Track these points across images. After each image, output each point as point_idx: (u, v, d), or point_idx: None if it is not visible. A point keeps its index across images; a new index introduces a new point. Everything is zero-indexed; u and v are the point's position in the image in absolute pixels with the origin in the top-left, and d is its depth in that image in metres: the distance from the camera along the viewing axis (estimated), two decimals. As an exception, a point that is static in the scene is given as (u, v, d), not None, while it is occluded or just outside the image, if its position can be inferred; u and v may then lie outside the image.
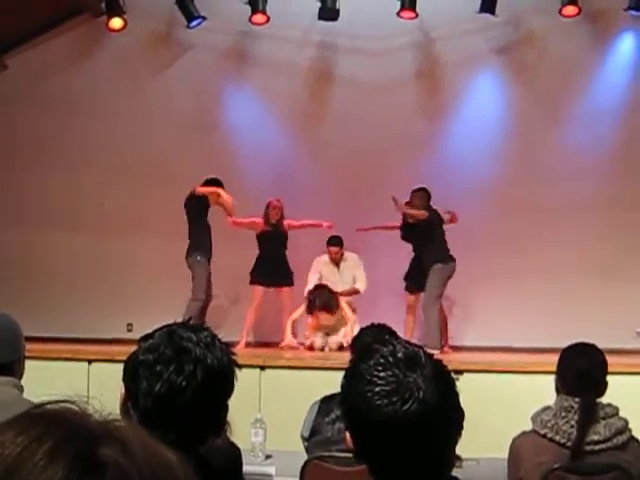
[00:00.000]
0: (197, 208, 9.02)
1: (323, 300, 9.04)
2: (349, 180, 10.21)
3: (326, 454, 3.99)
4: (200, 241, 8.97)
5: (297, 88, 10.49)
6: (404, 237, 9.36)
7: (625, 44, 10.51)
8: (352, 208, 9.92)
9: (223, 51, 10.66)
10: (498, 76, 10.66)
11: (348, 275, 9.48)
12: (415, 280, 9.13)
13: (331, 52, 10.69)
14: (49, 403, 0.74)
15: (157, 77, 10.61)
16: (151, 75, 10.61)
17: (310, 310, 9.10)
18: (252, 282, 9.40)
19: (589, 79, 10.45)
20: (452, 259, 8.88)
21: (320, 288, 9.15)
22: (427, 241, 8.96)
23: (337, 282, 9.45)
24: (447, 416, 1.67)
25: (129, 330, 9.64)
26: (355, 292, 9.47)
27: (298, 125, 10.56)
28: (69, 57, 10.60)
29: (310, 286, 9.38)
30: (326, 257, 9.53)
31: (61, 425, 0.70)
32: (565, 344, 3.85)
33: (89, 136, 10.36)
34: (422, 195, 9.09)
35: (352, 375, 1.73)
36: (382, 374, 1.66)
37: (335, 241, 9.45)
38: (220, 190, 9.03)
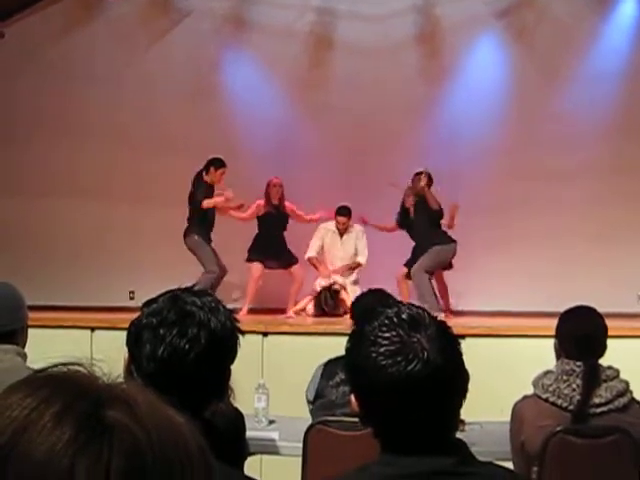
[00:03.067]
0: (198, 206, 9.07)
1: (331, 305, 9.06)
2: (350, 145, 10.18)
3: (330, 419, 4.02)
4: (197, 225, 9.05)
5: (297, 53, 10.42)
6: (399, 222, 9.33)
7: (626, 6, 10.44)
8: (353, 173, 9.90)
9: (222, 17, 10.58)
10: (498, 39, 10.59)
11: (350, 246, 9.48)
12: (414, 261, 9.11)
13: (331, 16, 10.61)
14: (56, 366, 0.74)
15: (155, 44, 10.54)
16: (149, 42, 10.53)
17: (315, 307, 9.14)
18: (250, 260, 9.41)
19: (590, 42, 10.38)
20: (452, 240, 8.88)
21: (329, 289, 9.13)
22: (423, 227, 8.96)
23: (338, 253, 9.47)
24: (451, 377, 1.68)
25: (131, 298, 9.65)
26: (357, 266, 9.46)
27: (298, 90, 10.51)
28: (67, 25, 10.51)
29: (311, 253, 9.41)
30: (332, 224, 9.53)
31: (68, 387, 0.70)
32: (564, 308, 3.86)
33: (88, 104, 10.31)
34: (423, 178, 9.07)
35: (356, 336, 1.73)
36: (386, 334, 1.66)
37: (344, 211, 9.43)
38: (223, 199, 9.01)
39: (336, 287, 9.17)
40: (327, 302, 9.08)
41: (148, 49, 10.48)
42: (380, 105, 10.08)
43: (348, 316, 8.61)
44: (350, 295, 9.10)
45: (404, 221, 9.31)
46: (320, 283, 9.24)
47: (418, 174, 9.09)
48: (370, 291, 4.45)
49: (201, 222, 9.07)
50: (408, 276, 9.18)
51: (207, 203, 9.01)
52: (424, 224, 8.96)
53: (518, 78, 10.37)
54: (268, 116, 10.36)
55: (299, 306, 9.26)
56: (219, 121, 10.19)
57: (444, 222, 9.13)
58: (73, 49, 10.34)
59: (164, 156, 10.04)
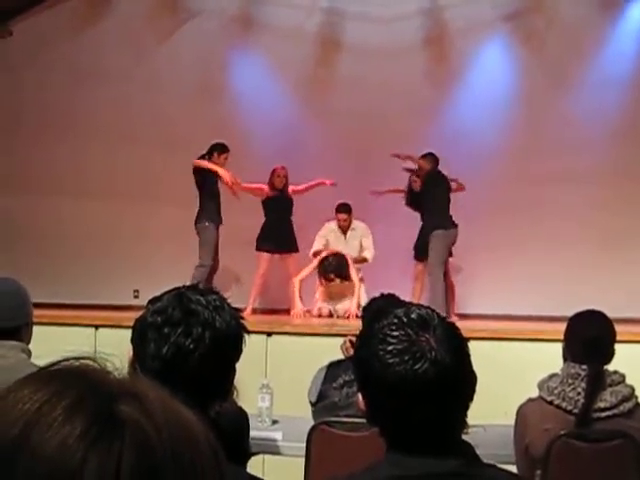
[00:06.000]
0: (202, 176, 9.03)
1: (335, 266, 9.03)
2: (356, 147, 10.18)
3: (333, 419, 4.02)
4: (208, 207, 9.02)
5: (304, 54, 10.43)
6: (408, 203, 9.34)
7: (635, 12, 10.43)
8: (359, 175, 9.90)
9: (230, 17, 10.59)
10: (506, 43, 10.59)
11: (355, 244, 9.47)
12: (422, 249, 9.12)
13: (339, 18, 10.61)
14: (67, 360, 0.74)
15: (163, 43, 10.55)
16: (157, 41, 10.55)
17: (321, 274, 9.10)
18: (258, 249, 9.41)
19: (598, 47, 10.38)
20: (454, 225, 8.87)
21: (334, 255, 9.13)
22: (429, 205, 8.94)
23: (343, 251, 9.45)
24: (459, 378, 1.68)
25: (136, 296, 9.67)
26: (363, 261, 9.45)
27: (305, 92, 10.52)
28: (75, 23, 10.52)
29: (315, 247, 9.40)
30: (334, 224, 9.52)
31: (80, 381, 0.70)
32: (569, 313, 3.85)
33: (95, 103, 10.32)
34: (430, 159, 9.07)
35: (366, 335, 1.74)
36: (395, 333, 1.67)
37: (343, 208, 9.43)
38: (218, 169, 9.01)
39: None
40: (331, 264, 9.04)
41: (156, 48, 10.49)
42: (386, 107, 10.08)
43: (353, 317, 8.71)
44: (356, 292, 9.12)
45: (413, 201, 9.28)
46: (315, 249, 9.26)
47: (423, 156, 9.08)
48: (382, 295, 4.45)
49: (211, 205, 9.02)
50: (417, 256, 9.22)
51: (197, 162, 9.02)
52: (432, 203, 8.93)
53: (525, 82, 10.37)
54: (274, 116, 10.37)
55: (303, 273, 9.22)
56: (226, 121, 10.19)
57: (454, 186, 9.11)
58: (81, 47, 10.36)
59: (170, 155, 10.05)
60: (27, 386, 0.70)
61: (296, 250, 9.48)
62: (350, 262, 9.13)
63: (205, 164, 9.02)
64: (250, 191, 9.43)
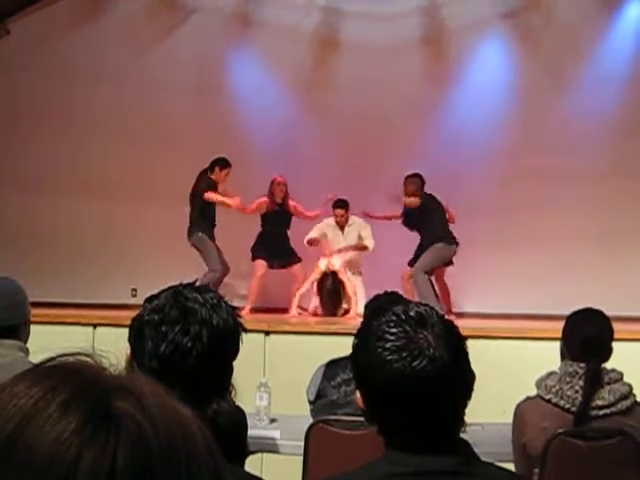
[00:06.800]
0: (201, 201, 9.07)
1: (330, 295, 9.05)
2: (354, 146, 10.17)
3: (331, 417, 4.01)
4: (200, 223, 9.06)
5: (302, 53, 10.42)
6: (405, 223, 9.31)
7: (632, 10, 10.43)
8: (356, 174, 9.89)
9: (227, 16, 10.58)
10: (504, 42, 10.59)
11: (353, 238, 9.46)
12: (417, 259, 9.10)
13: (336, 17, 10.61)
14: (63, 356, 0.74)
15: (161, 42, 10.54)
16: (155, 40, 10.54)
17: (319, 296, 9.13)
18: (254, 258, 9.42)
19: (595, 45, 10.38)
20: (455, 242, 8.87)
21: (328, 278, 9.11)
22: (427, 225, 8.95)
23: (341, 246, 9.45)
24: (457, 375, 1.68)
25: (133, 295, 9.67)
26: (364, 248, 9.42)
27: (303, 91, 10.51)
28: (73, 21, 10.51)
29: (310, 235, 9.38)
30: (332, 220, 9.52)
31: (75, 377, 0.70)
32: (567, 311, 3.85)
33: (93, 101, 10.31)
34: (415, 181, 9.05)
35: (364, 332, 1.73)
36: (393, 330, 1.67)
37: (341, 204, 9.43)
38: (229, 201, 9.04)
39: (334, 269, 9.15)
40: (330, 283, 9.04)
41: (154, 46, 10.48)
42: (384, 106, 10.07)
43: (351, 312, 8.73)
44: (352, 284, 9.12)
45: (409, 221, 9.27)
46: (322, 263, 9.24)
47: (409, 177, 9.07)
48: (385, 293, 4.44)
49: (203, 219, 9.09)
50: (410, 264, 9.21)
51: (209, 196, 9.03)
52: (429, 223, 8.94)
53: (523, 80, 10.37)
54: (272, 115, 10.36)
55: (302, 289, 9.23)
56: (224, 119, 10.19)
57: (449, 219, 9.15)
58: (79, 45, 10.34)
59: (168, 153, 10.05)
60: (23, 382, 0.70)
61: (297, 261, 9.49)
62: (348, 288, 9.11)
63: (216, 198, 9.02)
64: (255, 211, 9.44)
